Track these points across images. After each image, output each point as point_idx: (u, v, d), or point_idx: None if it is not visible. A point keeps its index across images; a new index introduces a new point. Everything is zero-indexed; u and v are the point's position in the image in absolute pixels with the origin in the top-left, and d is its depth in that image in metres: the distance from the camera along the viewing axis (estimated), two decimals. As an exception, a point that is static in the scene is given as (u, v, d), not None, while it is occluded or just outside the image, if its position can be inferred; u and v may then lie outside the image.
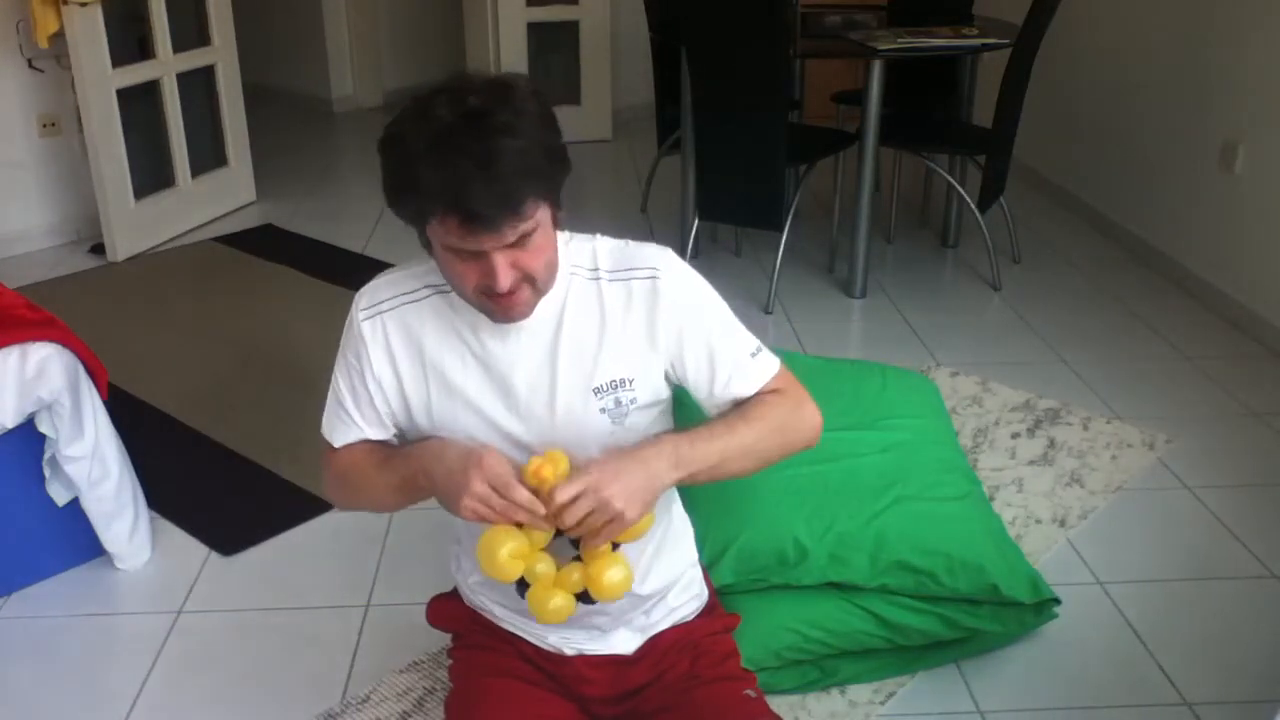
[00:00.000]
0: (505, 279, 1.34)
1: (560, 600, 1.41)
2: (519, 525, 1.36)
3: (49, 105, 4.52)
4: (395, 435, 1.57)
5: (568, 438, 1.47)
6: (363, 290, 1.53)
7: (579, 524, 1.34)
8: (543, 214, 1.35)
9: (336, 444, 1.56)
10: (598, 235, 1.52)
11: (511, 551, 1.36)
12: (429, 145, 1.28)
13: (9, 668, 2.31)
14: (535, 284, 1.39)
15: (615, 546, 1.42)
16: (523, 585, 1.44)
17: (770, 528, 2.12)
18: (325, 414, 1.58)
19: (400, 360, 1.50)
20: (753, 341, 1.53)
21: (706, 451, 1.42)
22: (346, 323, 1.53)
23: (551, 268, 1.42)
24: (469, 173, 1.26)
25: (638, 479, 1.35)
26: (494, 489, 1.34)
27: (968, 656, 2.25)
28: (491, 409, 1.48)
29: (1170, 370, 3.51)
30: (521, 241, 1.33)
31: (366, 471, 1.53)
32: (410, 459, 1.47)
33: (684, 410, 1.63)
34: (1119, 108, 4.57)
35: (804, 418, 1.53)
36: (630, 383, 1.47)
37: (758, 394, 1.51)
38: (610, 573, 1.39)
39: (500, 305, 1.39)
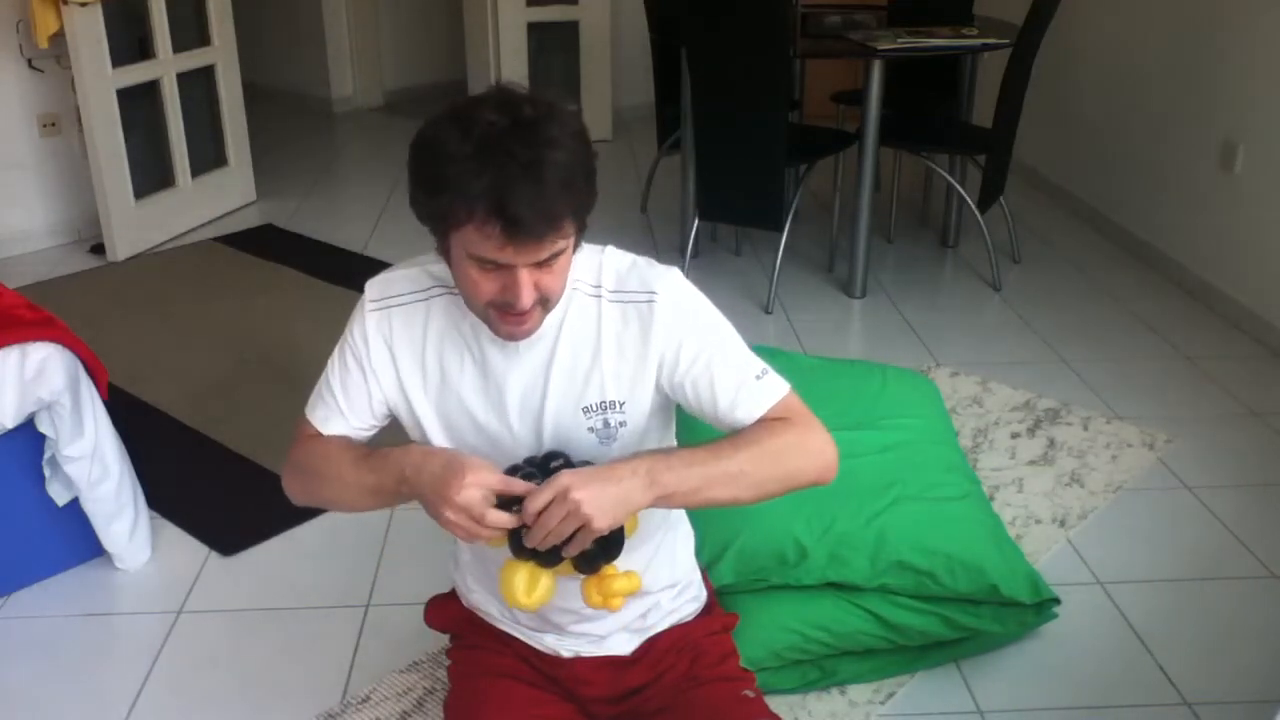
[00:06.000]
0: (528, 297, 1.32)
1: (545, 585, 1.39)
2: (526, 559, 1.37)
3: (49, 105, 4.52)
4: (376, 426, 1.56)
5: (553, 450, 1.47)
6: (373, 281, 1.51)
7: (550, 533, 1.30)
8: (573, 236, 1.34)
9: (319, 425, 1.54)
10: (608, 247, 1.50)
11: (525, 583, 1.38)
12: (477, 148, 1.25)
13: (9, 668, 2.31)
14: (548, 305, 1.39)
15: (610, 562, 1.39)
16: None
17: (770, 528, 2.12)
18: (312, 395, 1.57)
19: (400, 355, 1.49)
20: (758, 364, 1.47)
21: (684, 476, 1.36)
22: (356, 307, 1.52)
23: (564, 290, 1.41)
24: (516, 177, 1.24)
25: (609, 492, 1.30)
26: (470, 517, 1.32)
27: (968, 656, 2.25)
28: (483, 414, 1.48)
29: (1170, 370, 3.51)
30: (550, 261, 1.32)
31: (340, 466, 1.49)
32: (390, 463, 1.42)
33: (693, 433, 1.61)
34: (1119, 108, 4.57)
35: (809, 447, 1.43)
36: (620, 405, 1.46)
37: (761, 419, 1.44)
38: (619, 582, 1.39)
39: (509, 322, 1.37)
